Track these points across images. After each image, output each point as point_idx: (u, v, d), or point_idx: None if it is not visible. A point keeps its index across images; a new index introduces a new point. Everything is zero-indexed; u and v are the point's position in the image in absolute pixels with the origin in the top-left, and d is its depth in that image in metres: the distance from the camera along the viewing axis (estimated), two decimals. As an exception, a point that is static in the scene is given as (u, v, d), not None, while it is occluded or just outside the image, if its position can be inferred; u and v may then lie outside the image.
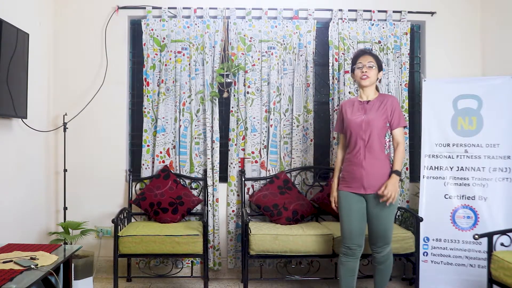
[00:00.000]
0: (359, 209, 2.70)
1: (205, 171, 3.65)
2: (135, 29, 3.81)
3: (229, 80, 3.57)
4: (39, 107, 3.39)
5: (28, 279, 1.98)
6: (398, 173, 2.65)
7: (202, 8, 3.64)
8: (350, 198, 2.71)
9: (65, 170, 3.54)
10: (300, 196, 3.51)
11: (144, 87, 3.64)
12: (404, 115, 3.68)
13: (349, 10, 3.69)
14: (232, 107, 3.65)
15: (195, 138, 3.65)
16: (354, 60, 2.82)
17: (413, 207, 3.65)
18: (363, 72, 2.73)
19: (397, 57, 3.72)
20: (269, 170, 3.66)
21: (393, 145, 2.77)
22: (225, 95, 3.62)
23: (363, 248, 2.75)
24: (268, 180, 3.61)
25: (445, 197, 3.28)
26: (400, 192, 3.68)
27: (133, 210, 3.61)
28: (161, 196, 3.45)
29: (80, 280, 3.11)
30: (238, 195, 3.66)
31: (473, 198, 3.22)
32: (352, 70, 2.83)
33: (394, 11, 3.73)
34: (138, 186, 3.65)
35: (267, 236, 3.09)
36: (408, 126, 3.69)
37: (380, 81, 2.87)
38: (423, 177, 3.33)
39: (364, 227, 2.75)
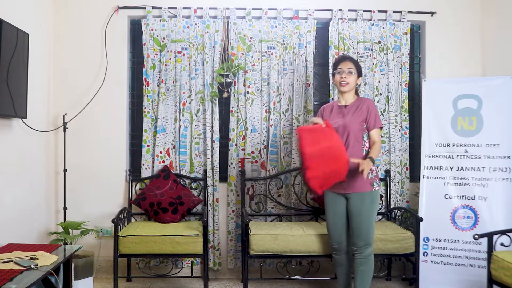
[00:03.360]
0: (340, 208, 2.85)
1: (205, 171, 3.65)
2: (135, 29, 3.81)
3: (229, 80, 3.57)
4: (39, 107, 3.39)
5: (28, 279, 1.98)
6: (373, 160, 2.71)
7: (202, 8, 3.64)
8: (333, 198, 2.87)
9: (65, 170, 3.54)
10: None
11: (144, 87, 3.64)
12: (405, 115, 3.69)
13: (349, 10, 3.69)
14: (232, 107, 3.65)
15: (195, 138, 3.65)
16: (335, 66, 2.95)
17: (413, 207, 3.64)
18: (342, 77, 2.84)
19: (397, 57, 3.72)
20: (269, 170, 3.66)
21: (369, 144, 2.84)
22: (225, 95, 3.62)
23: (345, 246, 2.89)
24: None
25: (445, 197, 3.28)
26: (400, 192, 3.69)
27: (133, 210, 3.61)
28: (161, 196, 3.45)
29: (80, 280, 3.11)
30: (238, 195, 3.66)
31: (473, 198, 3.22)
32: (333, 75, 2.93)
33: (394, 11, 3.72)
34: (138, 186, 3.65)
35: (267, 236, 3.09)
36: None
37: (359, 86, 2.95)
38: (423, 177, 3.33)
39: (344, 225, 2.87)
